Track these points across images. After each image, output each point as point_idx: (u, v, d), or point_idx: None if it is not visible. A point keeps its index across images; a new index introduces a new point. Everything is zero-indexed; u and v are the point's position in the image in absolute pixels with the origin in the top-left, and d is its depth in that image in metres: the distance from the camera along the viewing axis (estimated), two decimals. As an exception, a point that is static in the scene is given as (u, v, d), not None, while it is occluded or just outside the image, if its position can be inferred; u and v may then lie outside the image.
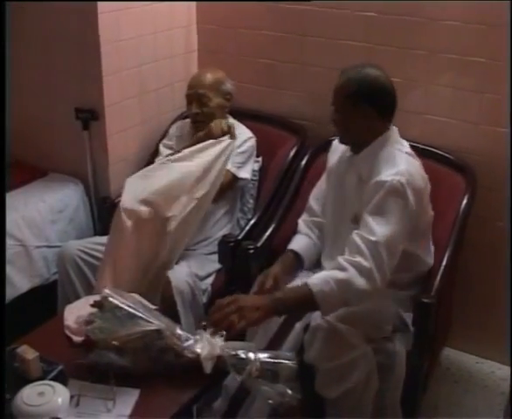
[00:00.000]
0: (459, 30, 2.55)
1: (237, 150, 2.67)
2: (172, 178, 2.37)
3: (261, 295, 2.06)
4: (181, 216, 2.36)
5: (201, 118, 2.68)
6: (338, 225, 2.25)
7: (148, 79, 2.97)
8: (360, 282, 1.92)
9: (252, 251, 2.37)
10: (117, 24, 2.74)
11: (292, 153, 2.77)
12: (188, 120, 2.83)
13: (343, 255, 2.00)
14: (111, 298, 2.02)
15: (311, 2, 2.82)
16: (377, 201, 1.99)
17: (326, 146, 2.76)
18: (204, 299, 2.48)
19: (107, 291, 2.05)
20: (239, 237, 2.50)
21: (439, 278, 2.16)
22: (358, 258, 1.93)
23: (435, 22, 2.59)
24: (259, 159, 2.84)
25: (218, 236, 2.59)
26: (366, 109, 2.11)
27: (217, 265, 2.55)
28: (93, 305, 2.03)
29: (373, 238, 1.94)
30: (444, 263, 2.21)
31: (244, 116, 2.89)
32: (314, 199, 2.42)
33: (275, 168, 2.77)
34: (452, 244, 2.27)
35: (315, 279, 1.96)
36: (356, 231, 1.99)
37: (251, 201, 2.80)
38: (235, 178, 2.65)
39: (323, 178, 2.40)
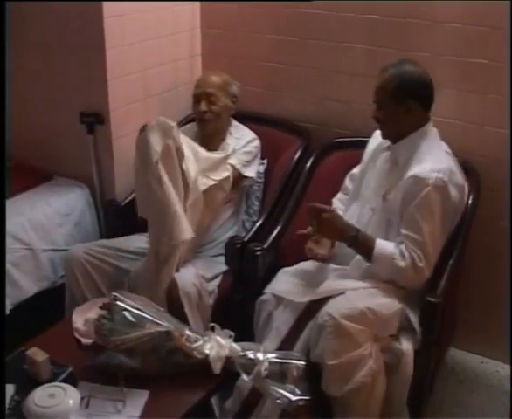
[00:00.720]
0: (461, 32, 2.57)
1: (242, 150, 2.69)
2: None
3: (347, 222, 2.24)
4: (196, 192, 2.39)
5: (209, 116, 2.69)
6: (364, 200, 2.36)
7: (153, 83, 2.98)
8: (410, 275, 2.12)
9: (259, 253, 2.38)
10: (122, 29, 2.75)
11: (296, 155, 2.78)
12: (190, 126, 2.85)
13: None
14: (119, 301, 2.04)
15: (312, 2, 2.82)
16: (422, 197, 2.11)
17: (330, 148, 2.80)
18: (211, 301, 2.48)
19: (114, 293, 2.07)
20: (246, 239, 2.50)
21: (445, 277, 2.18)
22: (415, 255, 2.10)
23: (438, 24, 2.60)
24: (265, 161, 2.85)
25: (224, 239, 2.60)
26: (410, 103, 2.20)
27: (224, 267, 2.56)
28: (101, 308, 2.05)
29: (420, 239, 2.10)
30: (450, 262, 2.23)
31: (248, 119, 2.90)
32: (350, 180, 2.57)
33: (280, 171, 2.78)
34: (458, 245, 2.28)
35: (383, 247, 2.15)
36: (404, 232, 2.12)
37: (256, 203, 2.81)
38: (240, 176, 2.67)
39: (363, 160, 2.49)
